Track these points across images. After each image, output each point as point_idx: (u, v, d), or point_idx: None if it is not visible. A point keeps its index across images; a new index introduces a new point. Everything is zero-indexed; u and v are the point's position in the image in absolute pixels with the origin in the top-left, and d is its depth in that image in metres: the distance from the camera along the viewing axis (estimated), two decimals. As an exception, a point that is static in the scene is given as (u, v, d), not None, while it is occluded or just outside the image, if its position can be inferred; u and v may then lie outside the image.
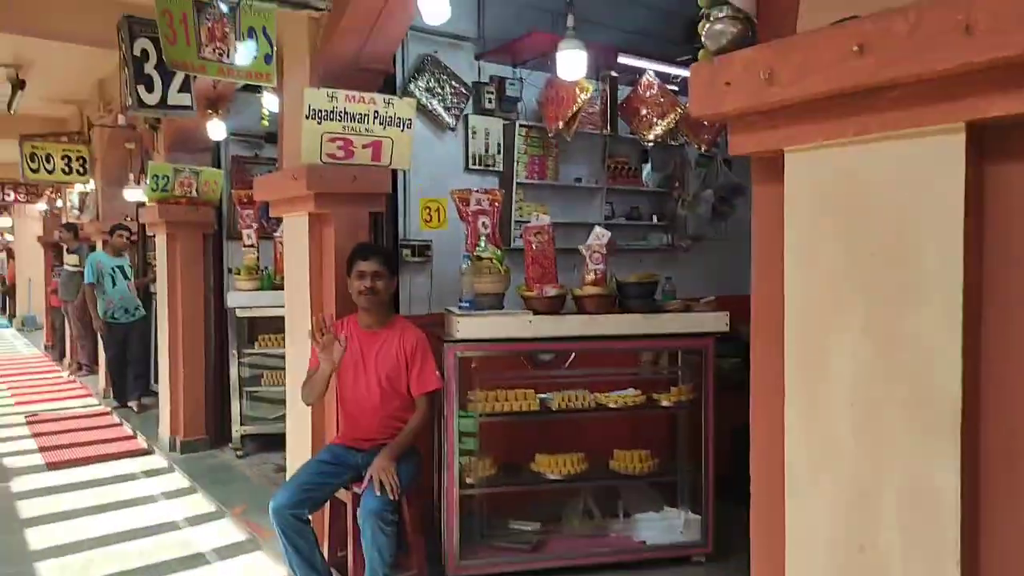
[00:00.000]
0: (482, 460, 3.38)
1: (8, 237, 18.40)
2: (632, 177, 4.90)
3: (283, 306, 5.28)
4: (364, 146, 3.33)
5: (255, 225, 5.61)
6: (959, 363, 1.16)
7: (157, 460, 5.63)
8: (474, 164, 4.20)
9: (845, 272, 1.31)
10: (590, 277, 3.33)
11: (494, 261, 3.33)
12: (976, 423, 1.19)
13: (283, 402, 5.72)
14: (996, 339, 1.17)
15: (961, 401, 1.17)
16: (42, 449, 5.88)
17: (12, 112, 7.88)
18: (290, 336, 3.69)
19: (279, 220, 5.89)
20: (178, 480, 5.13)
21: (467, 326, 3.16)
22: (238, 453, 5.44)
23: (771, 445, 1.47)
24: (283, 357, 5.57)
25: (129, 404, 6.92)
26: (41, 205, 11.63)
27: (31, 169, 7.08)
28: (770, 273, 1.47)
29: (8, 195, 12.39)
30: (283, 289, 5.39)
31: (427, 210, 4.04)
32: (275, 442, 5.43)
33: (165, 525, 4.26)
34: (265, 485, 4.81)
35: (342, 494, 3.12)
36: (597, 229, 3.38)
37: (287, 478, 3.62)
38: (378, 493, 2.78)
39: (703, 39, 1.51)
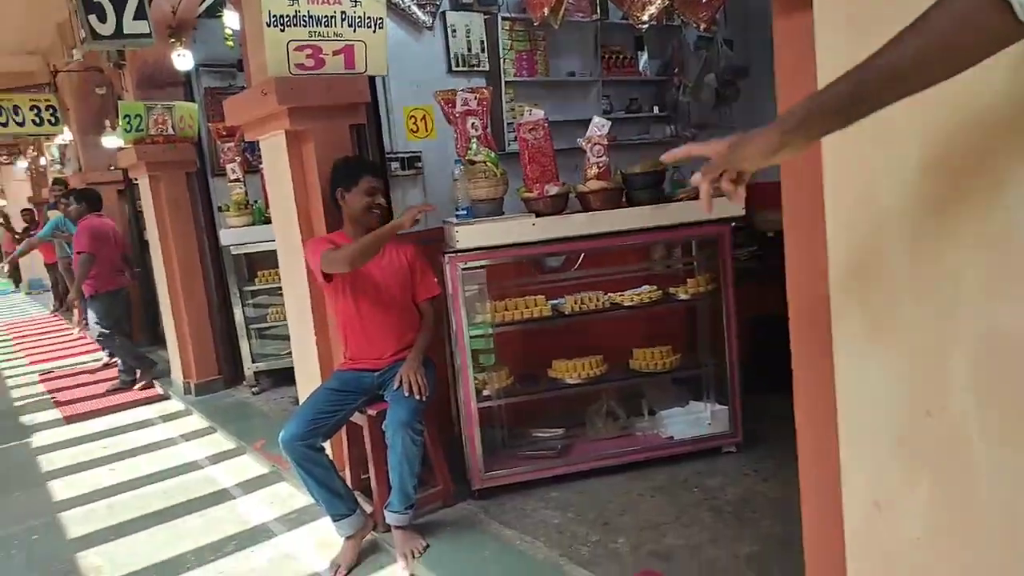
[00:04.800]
0: (498, 372, 3.27)
1: (2, 202, 18.11)
2: (628, 67, 4.57)
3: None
4: (335, 52, 3.07)
5: (238, 158, 5.37)
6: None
7: (174, 404, 5.61)
8: (458, 65, 3.90)
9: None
10: (593, 171, 3.12)
11: (488, 164, 3.11)
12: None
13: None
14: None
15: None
16: (58, 404, 5.88)
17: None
18: (284, 263, 3.52)
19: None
20: (196, 422, 5.11)
21: (467, 235, 2.98)
22: (253, 390, 5.40)
23: (813, 303, 1.30)
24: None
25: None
26: (22, 162, 11.31)
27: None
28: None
29: (-11, 156, 12.12)
30: (276, 221, 5.25)
31: (412, 119, 3.81)
32: (290, 376, 5.33)
33: (187, 466, 4.24)
34: (283, 419, 4.76)
35: (358, 419, 3.03)
36: (596, 119, 3.15)
37: (301, 409, 3.55)
38: (407, 394, 2.77)
39: None
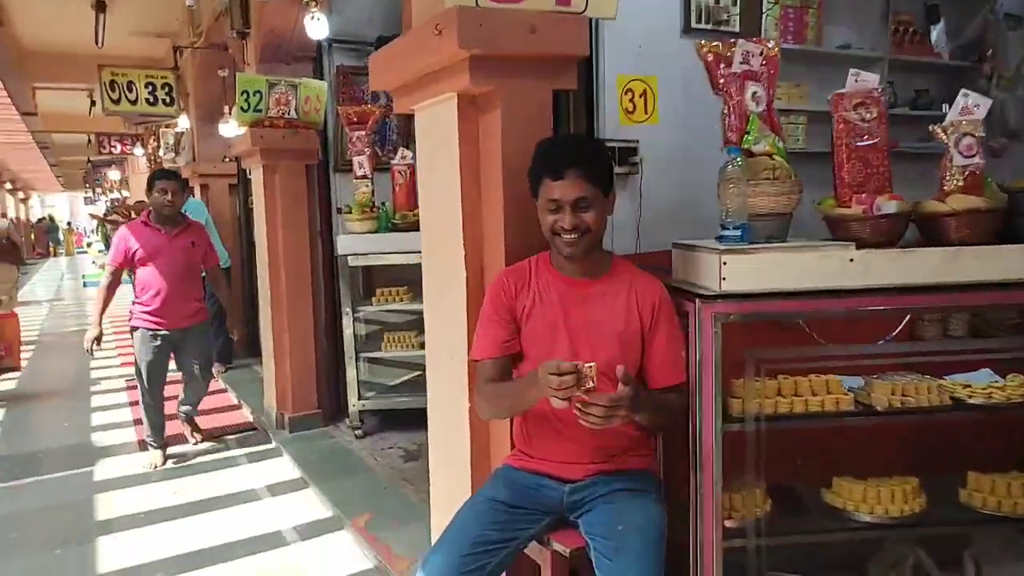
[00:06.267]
0: (751, 490, 2.05)
1: (125, 193, 18.38)
2: (917, 43, 3.27)
3: (403, 252, 4.15)
4: (546, -22, 2.01)
5: (367, 151, 4.43)
6: None
7: (263, 439, 4.68)
8: (699, 22, 2.75)
9: None
10: (956, 180, 1.89)
11: (778, 157, 1.94)
12: None
13: (407, 365, 4.64)
14: None
15: None
16: (136, 422, 5.08)
17: (99, 45, 7.09)
18: (429, 282, 2.43)
19: (395, 147, 4.74)
20: (287, 468, 4.14)
21: (741, 270, 1.80)
22: (356, 432, 4.43)
23: None
24: (408, 312, 4.48)
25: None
26: (139, 150, 11.03)
27: (111, 100, 6.17)
28: None
29: (115, 147, 12.00)
30: (403, 231, 4.25)
31: (628, 94, 2.68)
32: (401, 419, 4.40)
33: (269, 538, 3.24)
34: (392, 481, 3.73)
35: (533, 550, 1.90)
36: (966, 94, 1.92)
37: (432, 509, 2.46)
38: None
39: None
